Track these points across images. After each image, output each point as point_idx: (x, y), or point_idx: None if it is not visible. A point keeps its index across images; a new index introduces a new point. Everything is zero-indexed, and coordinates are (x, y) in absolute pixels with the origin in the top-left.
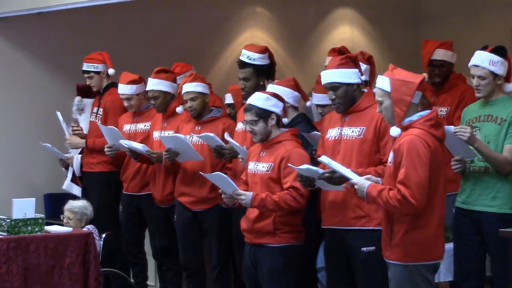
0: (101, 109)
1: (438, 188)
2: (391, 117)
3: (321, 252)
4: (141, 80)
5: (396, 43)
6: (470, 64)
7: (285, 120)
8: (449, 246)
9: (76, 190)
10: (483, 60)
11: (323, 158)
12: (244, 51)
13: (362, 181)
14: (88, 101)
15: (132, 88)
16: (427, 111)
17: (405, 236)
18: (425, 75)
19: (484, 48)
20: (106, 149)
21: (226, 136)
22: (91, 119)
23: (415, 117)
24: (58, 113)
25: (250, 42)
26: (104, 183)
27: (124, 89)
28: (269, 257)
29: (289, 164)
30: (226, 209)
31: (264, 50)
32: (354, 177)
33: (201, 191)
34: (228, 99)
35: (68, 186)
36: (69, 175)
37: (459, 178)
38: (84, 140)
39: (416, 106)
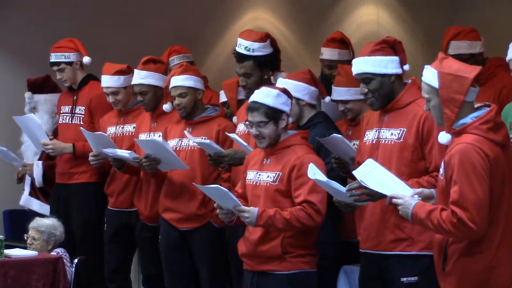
0: (80, 108)
1: (501, 204)
2: (441, 118)
3: (341, 282)
4: (130, 71)
5: (430, 25)
6: (508, 58)
7: (289, 120)
8: None
9: (36, 205)
10: None
11: (357, 174)
12: (240, 41)
13: (406, 199)
14: (41, 98)
15: (119, 79)
16: (484, 110)
17: (458, 262)
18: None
19: None
20: (91, 158)
21: (231, 134)
22: (62, 121)
23: (468, 119)
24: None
25: (253, 25)
26: (92, 196)
27: (109, 81)
28: (277, 286)
29: (311, 165)
30: (219, 229)
31: (265, 37)
32: (398, 191)
33: (189, 206)
34: (223, 97)
35: (26, 201)
36: (27, 187)
37: None
38: (70, 144)
39: (472, 105)
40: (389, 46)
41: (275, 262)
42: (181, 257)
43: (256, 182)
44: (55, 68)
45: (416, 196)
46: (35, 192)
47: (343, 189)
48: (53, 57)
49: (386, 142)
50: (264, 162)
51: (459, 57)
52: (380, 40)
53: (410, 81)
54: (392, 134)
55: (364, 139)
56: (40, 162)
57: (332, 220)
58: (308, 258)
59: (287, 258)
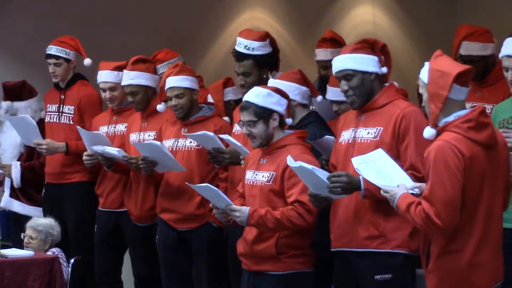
0: (69, 107)
1: (480, 204)
2: (429, 113)
3: None
4: None
5: (428, 26)
6: (501, 54)
7: (289, 121)
8: None
9: (18, 207)
10: None
11: (355, 161)
12: (240, 39)
13: (394, 190)
14: (21, 105)
15: (118, 75)
16: (467, 110)
17: (439, 261)
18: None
19: None
20: (85, 158)
21: (225, 136)
22: (49, 120)
23: (451, 117)
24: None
25: (249, 25)
26: (84, 195)
27: (108, 76)
28: (272, 287)
29: (289, 156)
30: (218, 228)
31: (265, 36)
32: (398, 183)
33: (187, 206)
34: (210, 100)
35: (7, 202)
36: (7, 189)
37: None
38: (64, 144)
39: (460, 104)
40: (369, 46)
41: (271, 262)
42: (180, 258)
43: (253, 182)
44: (52, 61)
45: (416, 189)
46: (15, 193)
47: (325, 179)
48: (53, 50)
49: (362, 141)
50: (260, 162)
51: (470, 58)
52: (361, 40)
53: (387, 84)
54: (368, 133)
55: (340, 139)
56: (18, 162)
57: (324, 220)
58: (304, 259)
59: (282, 258)
